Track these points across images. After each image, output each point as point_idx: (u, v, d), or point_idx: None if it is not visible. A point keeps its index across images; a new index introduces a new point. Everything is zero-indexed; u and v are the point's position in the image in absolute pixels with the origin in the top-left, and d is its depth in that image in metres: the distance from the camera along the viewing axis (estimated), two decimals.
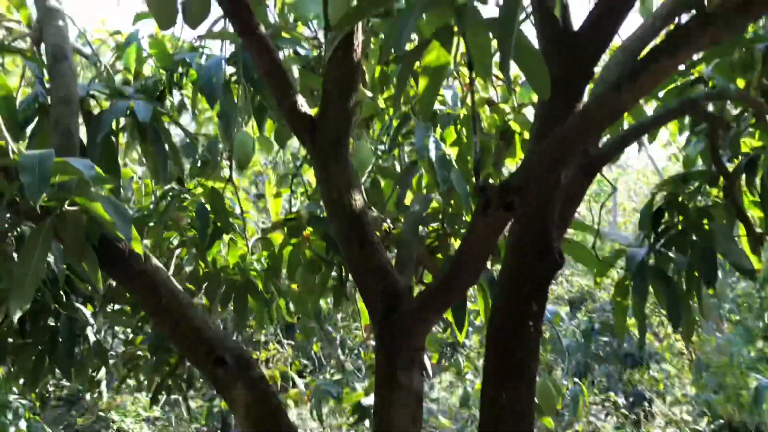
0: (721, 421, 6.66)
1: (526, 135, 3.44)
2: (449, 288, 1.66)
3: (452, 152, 3.08)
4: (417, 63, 1.73)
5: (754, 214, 2.93)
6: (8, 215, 1.78)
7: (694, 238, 2.61)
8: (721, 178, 2.41)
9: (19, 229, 1.95)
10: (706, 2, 1.30)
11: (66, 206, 1.72)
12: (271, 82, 1.84)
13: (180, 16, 1.76)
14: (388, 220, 3.35)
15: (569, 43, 1.83)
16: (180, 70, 3.01)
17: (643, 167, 14.38)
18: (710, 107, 2.53)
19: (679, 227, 2.70)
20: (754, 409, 6.13)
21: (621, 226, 12.78)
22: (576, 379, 5.89)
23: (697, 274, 2.51)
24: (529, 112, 3.40)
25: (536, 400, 3.35)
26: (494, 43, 1.51)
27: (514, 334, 1.83)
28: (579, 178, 2.25)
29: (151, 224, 3.29)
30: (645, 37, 2.58)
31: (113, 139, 2.54)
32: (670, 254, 2.70)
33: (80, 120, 2.43)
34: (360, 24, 1.84)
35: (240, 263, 3.41)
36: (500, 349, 1.85)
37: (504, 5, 1.25)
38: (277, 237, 3.45)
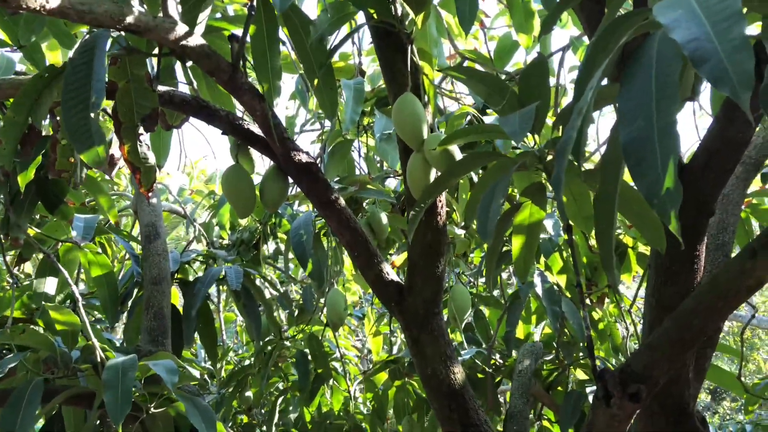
0: None
1: (640, 248, 3.16)
2: None
3: (560, 280, 2.85)
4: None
5: None
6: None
7: None
8: None
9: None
10: None
11: (153, 407, 1.66)
12: (353, 254, 1.75)
13: None
14: (497, 355, 3.12)
15: (681, 179, 1.61)
16: (273, 220, 3.04)
17: None
18: None
19: None
20: None
21: (760, 305, 11.58)
22: None
23: None
24: None
25: None
26: None
27: None
28: None
29: (255, 372, 3.23)
30: (763, 151, 2.29)
31: (209, 302, 2.55)
32: None
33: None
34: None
35: (345, 408, 3.27)
36: None
37: (607, 155, 1.07)
38: (381, 377, 3.30)
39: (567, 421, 2.50)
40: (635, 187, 1.01)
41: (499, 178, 1.37)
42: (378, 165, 2.93)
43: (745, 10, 1.49)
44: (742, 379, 2.55)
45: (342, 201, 1.72)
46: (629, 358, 1.30)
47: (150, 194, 1.50)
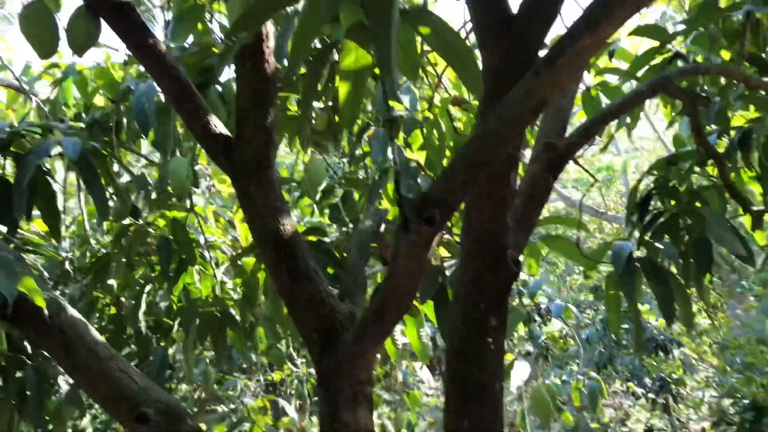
0: (746, 401, 6.37)
1: None
2: (382, 316, 1.46)
3: (420, 157, 2.89)
4: None
5: (755, 189, 2.73)
6: None
7: (689, 222, 2.39)
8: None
9: None
10: None
11: None
12: (177, 105, 1.67)
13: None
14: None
15: (509, 29, 1.63)
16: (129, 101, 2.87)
17: (658, 148, 13.89)
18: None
19: (670, 213, 2.48)
20: None
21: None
22: (594, 373, 5.59)
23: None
24: None
25: (532, 407, 3.13)
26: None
27: (473, 353, 1.63)
28: (543, 173, 2.05)
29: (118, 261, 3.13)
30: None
31: (50, 179, 2.40)
32: (659, 245, 2.47)
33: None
34: (270, 30, 1.65)
35: (215, 294, 3.24)
36: (459, 373, 1.65)
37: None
38: (250, 261, 3.29)
39: (425, 295, 2.59)
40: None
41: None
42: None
43: None
44: None
45: (163, 48, 1.62)
46: (429, 186, 1.34)
47: None
